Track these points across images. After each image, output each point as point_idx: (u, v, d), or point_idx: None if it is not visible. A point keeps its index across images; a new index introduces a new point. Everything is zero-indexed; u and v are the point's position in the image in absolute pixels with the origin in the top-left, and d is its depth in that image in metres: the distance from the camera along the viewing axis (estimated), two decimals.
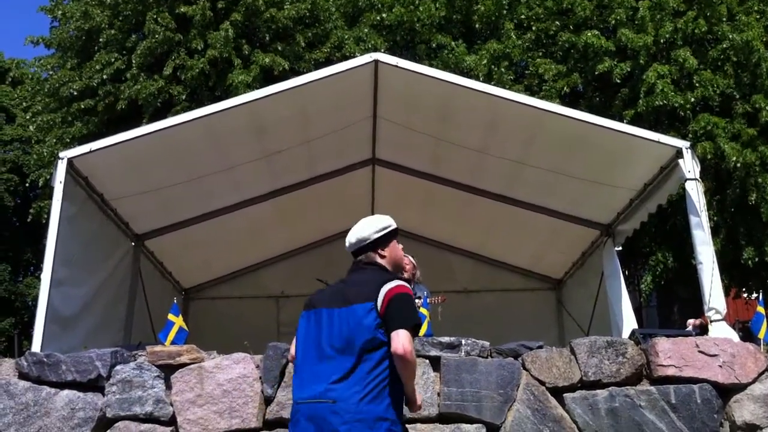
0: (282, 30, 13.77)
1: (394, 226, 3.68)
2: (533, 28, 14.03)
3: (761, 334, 6.41)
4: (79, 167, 7.11)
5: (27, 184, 17.53)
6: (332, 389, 3.30)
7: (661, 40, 12.78)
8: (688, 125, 12.32)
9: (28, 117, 16.23)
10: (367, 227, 3.62)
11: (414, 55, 13.97)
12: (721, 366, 5.80)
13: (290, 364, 5.47)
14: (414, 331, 3.38)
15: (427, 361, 5.79)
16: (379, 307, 3.35)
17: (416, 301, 7.39)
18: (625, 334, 7.48)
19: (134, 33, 13.77)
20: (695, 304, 7.68)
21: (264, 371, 5.71)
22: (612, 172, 7.91)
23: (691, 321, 8.97)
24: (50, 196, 7.37)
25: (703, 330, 7.62)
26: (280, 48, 13.51)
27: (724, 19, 12.75)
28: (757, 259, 12.36)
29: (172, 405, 5.66)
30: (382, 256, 3.59)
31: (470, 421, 5.64)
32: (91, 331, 7.45)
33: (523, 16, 14.21)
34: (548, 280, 11.38)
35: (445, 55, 13.66)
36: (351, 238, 3.64)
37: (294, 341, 3.61)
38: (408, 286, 3.49)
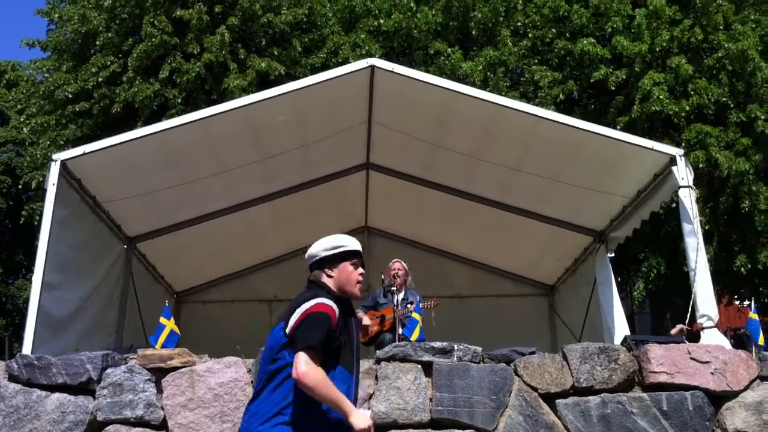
0: (278, 35, 13.76)
1: (348, 247, 3.53)
2: (529, 35, 14.05)
3: (761, 341, 6.43)
4: (73, 169, 7.10)
5: (20, 186, 17.43)
6: (247, 411, 3.34)
7: (657, 48, 12.81)
8: (682, 133, 12.34)
9: (22, 119, 16.17)
10: (318, 245, 3.55)
11: (411, 61, 13.98)
12: (713, 373, 5.81)
13: None
14: (311, 353, 3.19)
15: (420, 366, 5.79)
16: (288, 327, 3.28)
17: (408, 306, 7.45)
18: (618, 340, 7.49)
19: (131, 36, 13.73)
20: (688, 311, 7.69)
21: (255, 375, 5.69)
22: (606, 179, 7.93)
23: (678, 327, 8.99)
24: (43, 198, 7.35)
25: (691, 336, 7.62)
26: (276, 53, 13.51)
27: (720, 28, 12.78)
28: (749, 266, 12.38)
29: (163, 409, 5.64)
30: (329, 276, 3.49)
31: (462, 427, 5.63)
32: (82, 333, 7.43)
33: (519, 24, 14.23)
34: (541, 286, 11.39)
35: (442, 61, 13.67)
36: (306, 254, 3.60)
37: None
38: (330, 304, 3.33)
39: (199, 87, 13.24)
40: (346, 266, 3.52)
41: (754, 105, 12.34)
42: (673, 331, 8.61)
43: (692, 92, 12.46)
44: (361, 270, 3.56)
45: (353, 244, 3.57)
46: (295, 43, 13.68)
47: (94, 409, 5.59)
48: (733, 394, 5.81)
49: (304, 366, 3.15)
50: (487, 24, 14.16)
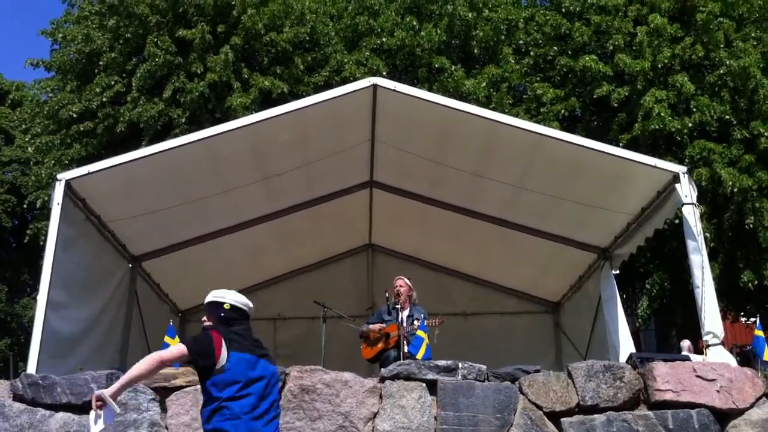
0: (281, 53, 13.84)
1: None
2: (531, 53, 14.13)
3: (767, 356, 6.40)
4: (77, 189, 7.11)
5: (25, 205, 17.50)
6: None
7: (659, 65, 12.86)
8: (685, 150, 12.36)
9: (27, 139, 16.25)
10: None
11: (414, 79, 14.04)
12: (718, 391, 5.78)
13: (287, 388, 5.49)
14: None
15: (424, 384, 5.77)
16: None
17: (414, 323, 7.42)
18: (623, 358, 7.46)
19: (134, 56, 13.83)
20: (693, 328, 7.67)
21: None
22: (609, 196, 7.93)
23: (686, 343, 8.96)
24: (48, 218, 7.37)
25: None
26: (279, 71, 13.57)
27: (722, 45, 12.84)
28: (756, 282, 12.35)
29: (167, 428, 5.62)
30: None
31: None
32: (87, 353, 7.41)
33: (521, 41, 14.32)
34: (546, 303, 11.35)
35: (445, 78, 13.73)
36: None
37: None
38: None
39: (203, 106, 13.30)
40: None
41: (756, 122, 12.37)
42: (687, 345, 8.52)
43: (694, 109, 12.50)
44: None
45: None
46: (298, 62, 13.74)
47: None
48: (738, 412, 5.78)
49: None
50: (488, 42, 14.25)
